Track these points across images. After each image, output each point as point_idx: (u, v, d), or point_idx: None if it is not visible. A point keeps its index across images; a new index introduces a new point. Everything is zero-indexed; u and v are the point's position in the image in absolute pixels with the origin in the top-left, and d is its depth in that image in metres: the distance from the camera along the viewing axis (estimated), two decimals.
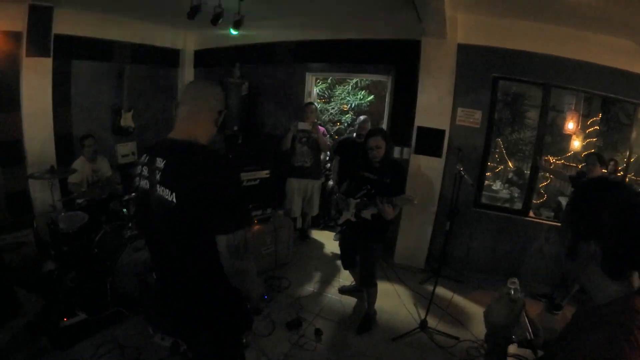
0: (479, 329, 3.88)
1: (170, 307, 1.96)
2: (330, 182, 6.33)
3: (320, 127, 5.30)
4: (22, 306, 3.05)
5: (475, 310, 4.30)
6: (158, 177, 1.67)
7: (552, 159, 7.29)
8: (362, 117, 5.29)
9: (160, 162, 1.68)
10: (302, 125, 5.11)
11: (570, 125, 6.66)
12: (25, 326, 3.08)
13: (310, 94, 6.14)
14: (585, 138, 7.10)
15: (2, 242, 4.14)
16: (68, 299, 3.58)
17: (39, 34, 4.83)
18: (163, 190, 1.64)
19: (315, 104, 5.76)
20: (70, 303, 3.55)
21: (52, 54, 5.03)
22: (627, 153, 5.03)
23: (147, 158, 1.77)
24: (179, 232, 1.68)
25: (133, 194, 4.10)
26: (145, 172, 1.75)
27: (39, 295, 3.23)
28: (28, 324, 3.10)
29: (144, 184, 1.75)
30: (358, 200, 3.50)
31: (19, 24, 4.68)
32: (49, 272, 4.05)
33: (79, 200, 4.32)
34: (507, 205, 6.29)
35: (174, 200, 1.60)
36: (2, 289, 2.89)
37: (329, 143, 5.61)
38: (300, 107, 5.75)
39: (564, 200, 6.82)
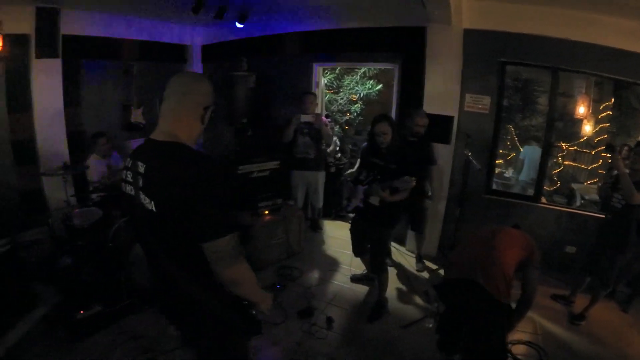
0: None
1: (166, 307, 1.94)
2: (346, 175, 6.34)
3: (322, 118, 5.26)
4: (40, 300, 3.12)
5: None
6: (140, 183, 1.60)
7: (563, 145, 7.21)
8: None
9: (141, 167, 1.60)
10: (305, 118, 5.06)
11: (581, 110, 6.56)
12: (42, 319, 3.14)
13: (318, 84, 6.12)
14: (597, 123, 6.99)
15: (19, 240, 4.23)
16: (84, 292, 3.65)
17: (46, 35, 4.88)
18: (144, 198, 1.58)
19: (315, 93, 5.68)
20: (86, 296, 3.62)
21: (60, 54, 5.09)
22: None
23: (130, 162, 1.68)
24: (162, 239, 1.62)
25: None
26: (129, 177, 1.67)
27: (56, 289, 3.30)
28: (45, 316, 3.16)
29: (129, 189, 1.68)
30: (366, 186, 3.52)
31: (27, 26, 4.74)
32: (65, 266, 4.13)
33: (94, 196, 4.39)
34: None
35: (154, 209, 1.54)
36: (19, 284, 2.96)
37: (331, 133, 5.57)
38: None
39: (576, 187, 6.75)
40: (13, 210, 4.92)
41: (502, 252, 2.67)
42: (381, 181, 3.35)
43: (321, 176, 5.63)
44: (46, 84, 5.03)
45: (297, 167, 5.41)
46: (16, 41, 4.69)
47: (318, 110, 6.02)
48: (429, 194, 4.64)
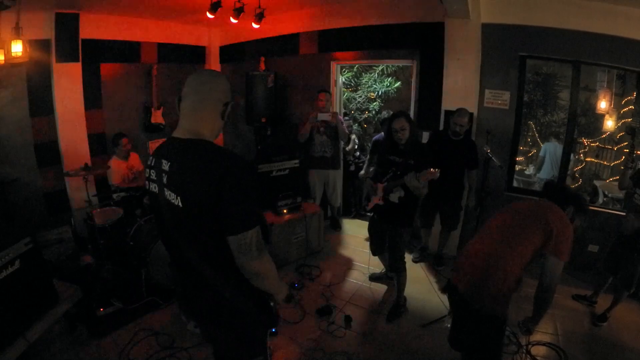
0: (510, 316, 3.74)
1: (188, 303, 1.98)
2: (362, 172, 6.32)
3: (338, 116, 5.25)
4: (61, 297, 3.16)
5: None
6: (165, 180, 1.64)
7: (585, 141, 7.05)
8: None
9: (165, 165, 1.64)
10: (321, 117, 5.07)
11: (603, 104, 6.39)
12: (63, 316, 3.20)
13: (336, 82, 6.06)
14: (619, 118, 6.81)
15: (42, 239, 4.32)
16: (105, 290, 3.74)
17: (66, 40, 4.98)
18: (169, 194, 1.61)
19: (329, 90, 5.60)
20: (107, 293, 3.71)
21: (80, 58, 5.18)
22: None
23: (153, 160, 1.73)
24: (188, 234, 1.65)
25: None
26: (153, 175, 1.72)
27: (77, 287, 3.36)
28: (66, 314, 3.21)
29: (154, 187, 1.72)
30: (385, 183, 3.49)
31: (47, 32, 4.83)
32: (86, 265, 4.21)
33: (114, 196, 4.46)
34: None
35: (180, 204, 1.57)
36: (42, 282, 3.00)
37: (347, 131, 5.55)
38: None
39: (599, 184, 6.59)
40: (37, 210, 5.04)
41: (506, 255, 2.32)
42: (400, 178, 3.30)
43: (339, 174, 5.61)
44: (67, 87, 5.12)
45: (315, 166, 5.42)
46: (37, 46, 4.77)
47: (336, 109, 6.02)
48: (470, 198, 4.60)
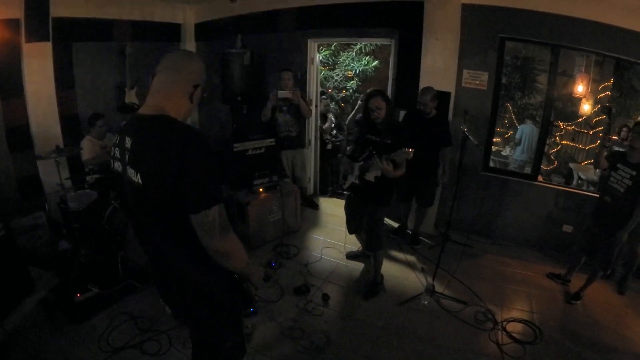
0: (487, 294, 3.90)
1: (160, 284, 1.97)
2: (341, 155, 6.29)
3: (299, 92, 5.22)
4: (37, 284, 3.12)
5: (484, 275, 4.30)
6: (127, 158, 1.59)
7: (561, 125, 7.17)
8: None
9: (128, 142, 1.59)
10: (282, 94, 5.03)
11: (580, 88, 6.51)
12: (41, 303, 3.16)
13: (312, 60, 5.95)
14: (596, 103, 6.95)
15: (16, 226, 4.21)
16: (81, 275, 3.68)
17: (36, 19, 4.76)
18: (131, 172, 1.56)
19: (292, 69, 5.47)
20: (84, 278, 3.65)
21: (51, 37, 4.97)
22: None
23: (118, 138, 1.67)
24: (151, 214, 1.61)
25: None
26: (117, 153, 1.67)
27: (54, 273, 3.31)
28: (43, 300, 3.17)
29: (117, 166, 1.68)
30: (361, 162, 3.50)
31: (16, 11, 4.61)
32: (62, 250, 4.14)
33: (88, 178, 4.37)
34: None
35: (140, 181, 1.52)
36: (17, 270, 2.95)
37: (310, 108, 5.51)
38: (303, 74, 5.73)
39: (573, 167, 6.74)
40: (10, 197, 4.90)
41: None
42: (378, 156, 3.31)
43: (306, 153, 5.61)
44: (37, 68, 4.92)
45: (282, 146, 5.33)
46: (5, 26, 4.57)
47: (313, 87, 5.96)
48: (443, 174, 4.65)
